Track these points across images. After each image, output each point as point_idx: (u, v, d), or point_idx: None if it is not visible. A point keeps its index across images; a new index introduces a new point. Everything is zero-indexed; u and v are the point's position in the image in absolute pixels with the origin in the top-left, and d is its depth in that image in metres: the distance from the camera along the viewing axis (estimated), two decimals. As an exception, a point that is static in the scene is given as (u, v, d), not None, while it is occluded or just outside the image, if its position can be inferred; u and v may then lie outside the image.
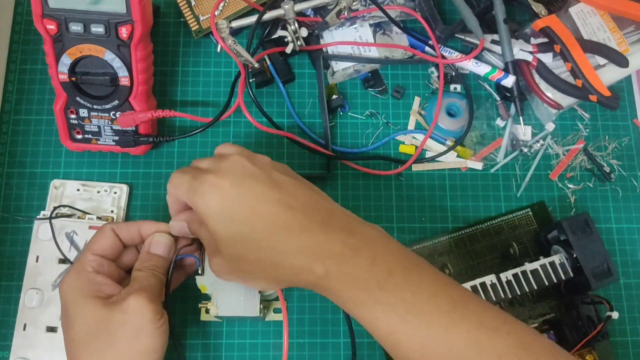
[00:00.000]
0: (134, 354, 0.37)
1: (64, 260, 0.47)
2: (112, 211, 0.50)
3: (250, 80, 0.53)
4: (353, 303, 0.36)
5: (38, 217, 0.49)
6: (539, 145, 0.55)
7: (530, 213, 0.53)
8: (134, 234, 0.43)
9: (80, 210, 0.49)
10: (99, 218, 0.49)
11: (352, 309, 0.36)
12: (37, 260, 0.47)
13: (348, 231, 0.36)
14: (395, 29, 0.56)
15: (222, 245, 0.36)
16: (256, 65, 0.51)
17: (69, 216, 0.49)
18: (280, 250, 0.36)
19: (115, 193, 0.51)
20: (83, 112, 0.49)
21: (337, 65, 0.55)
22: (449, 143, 0.54)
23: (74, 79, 0.47)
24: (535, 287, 0.47)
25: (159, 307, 0.39)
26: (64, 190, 0.50)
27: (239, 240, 0.36)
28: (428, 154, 0.54)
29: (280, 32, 0.54)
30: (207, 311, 0.45)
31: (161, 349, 0.39)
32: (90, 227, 0.48)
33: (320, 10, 0.55)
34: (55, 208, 0.48)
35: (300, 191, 0.37)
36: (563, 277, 0.47)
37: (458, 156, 0.54)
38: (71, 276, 0.40)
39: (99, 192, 0.50)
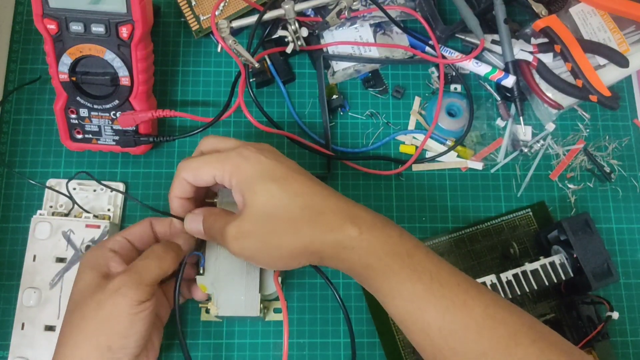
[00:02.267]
0: (102, 333, 0.37)
1: (61, 259, 0.47)
2: (108, 209, 0.50)
3: (251, 80, 0.53)
4: (380, 266, 0.37)
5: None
6: (539, 145, 0.55)
7: (531, 213, 0.53)
8: (165, 227, 0.45)
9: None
10: (95, 216, 0.49)
11: (376, 274, 0.37)
12: (34, 260, 0.47)
13: (375, 213, 0.39)
14: (395, 29, 0.56)
15: (257, 203, 0.37)
16: (256, 65, 0.51)
17: (65, 215, 0.49)
18: (314, 209, 0.37)
19: (111, 192, 0.51)
20: (83, 112, 0.49)
21: (338, 65, 0.55)
22: (449, 143, 0.54)
23: (74, 78, 0.47)
24: (536, 287, 0.47)
25: (141, 293, 0.38)
26: (61, 189, 0.50)
27: (276, 195, 0.37)
28: (428, 154, 0.54)
29: (280, 32, 0.54)
30: (207, 311, 0.45)
31: (133, 335, 0.38)
32: (86, 226, 0.48)
33: (320, 10, 0.55)
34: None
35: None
36: (563, 277, 0.47)
37: (458, 156, 0.54)
38: (93, 249, 0.42)
39: (95, 190, 0.50)
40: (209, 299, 0.44)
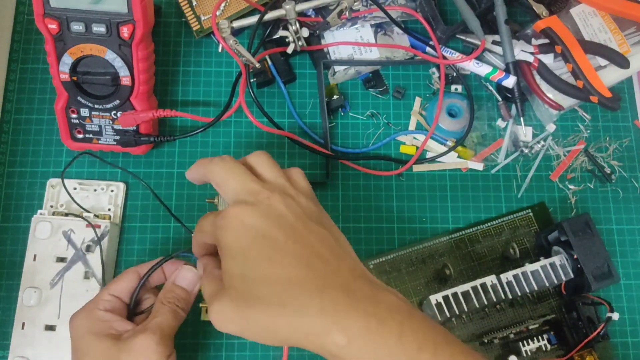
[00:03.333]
0: None
1: (61, 259, 0.47)
2: (109, 209, 0.50)
3: (252, 80, 0.53)
4: None
5: (36, 215, 0.49)
6: (539, 146, 0.55)
7: (531, 214, 0.53)
8: (158, 274, 0.43)
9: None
10: (96, 216, 0.49)
11: None
12: (34, 259, 0.47)
13: (372, 299, 0.33)
14: (396, 29, 0.56)
15: (232, 284, 0.34)
16: (257, 65, 0.51)
17: (66, 214, 0.49)
18: (295, 307, 0.32)
19: (112, 191, 0.51)
20: (84, 112, 0.49)
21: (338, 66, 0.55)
22: (450, 144, 0.54)
23: (75, 78, 0.47)
24: (536, 288, 0.47)
25: (167, 349, 0.39)
26: (61, 189, 0.50)
27: (249, 287, 0.33)
28: (429, 155, 0.54)
29: (281, 32, 0.54)
30: (207, 311, 0.45)
31: None
32: (87, 226, 0.48)
33: (321, 10, 0.55)
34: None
35: (324, 247, 0.34)
36: (563, 278, 0.47)
37: (459, 157, 0.54)
38: (82, 314, 0.40)
39: (95, 190, 0.50)
40: None
